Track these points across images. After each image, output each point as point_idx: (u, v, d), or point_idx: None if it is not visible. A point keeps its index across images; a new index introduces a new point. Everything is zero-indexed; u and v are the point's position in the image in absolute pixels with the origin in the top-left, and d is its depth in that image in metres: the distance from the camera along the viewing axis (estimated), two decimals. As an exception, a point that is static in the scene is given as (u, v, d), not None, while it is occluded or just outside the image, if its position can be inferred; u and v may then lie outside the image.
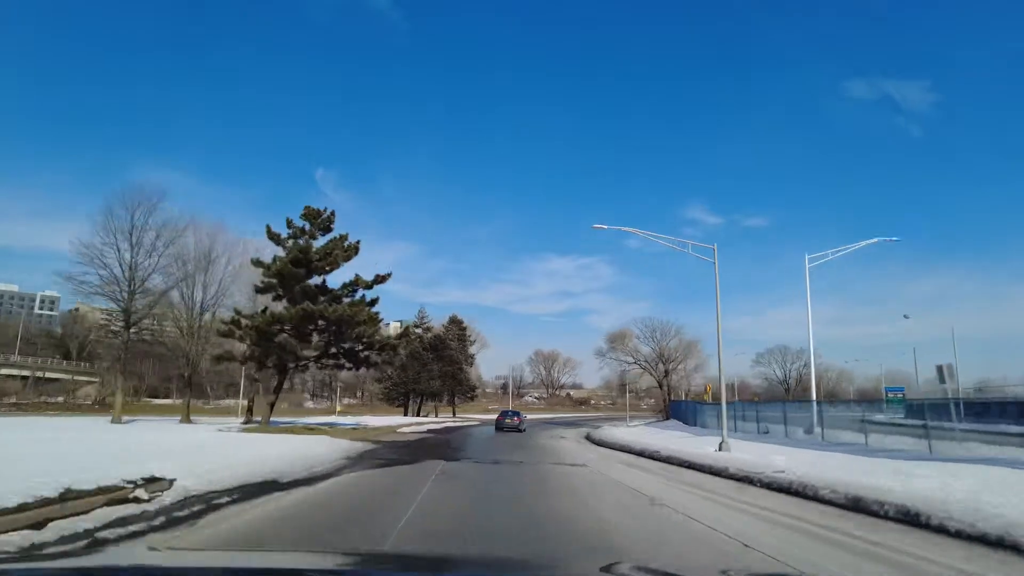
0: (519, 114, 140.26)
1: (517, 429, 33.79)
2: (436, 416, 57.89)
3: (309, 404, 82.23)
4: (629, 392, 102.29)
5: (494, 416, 43.40)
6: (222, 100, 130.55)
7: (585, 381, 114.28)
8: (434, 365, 57.45)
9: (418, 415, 56.88)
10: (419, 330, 63.58)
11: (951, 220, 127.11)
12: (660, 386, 54.37)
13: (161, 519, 6.27)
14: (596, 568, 1.62)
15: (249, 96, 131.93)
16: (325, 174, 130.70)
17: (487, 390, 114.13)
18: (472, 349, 76.53)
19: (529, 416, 73.04)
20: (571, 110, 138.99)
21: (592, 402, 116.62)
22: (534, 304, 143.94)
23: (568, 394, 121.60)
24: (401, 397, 57.90)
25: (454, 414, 63.85)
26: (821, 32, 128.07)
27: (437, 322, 66.65)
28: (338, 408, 66.32)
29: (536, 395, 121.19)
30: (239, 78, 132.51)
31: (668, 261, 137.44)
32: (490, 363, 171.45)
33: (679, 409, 49.09)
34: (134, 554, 3.09)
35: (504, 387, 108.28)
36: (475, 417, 61.11)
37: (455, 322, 68.60)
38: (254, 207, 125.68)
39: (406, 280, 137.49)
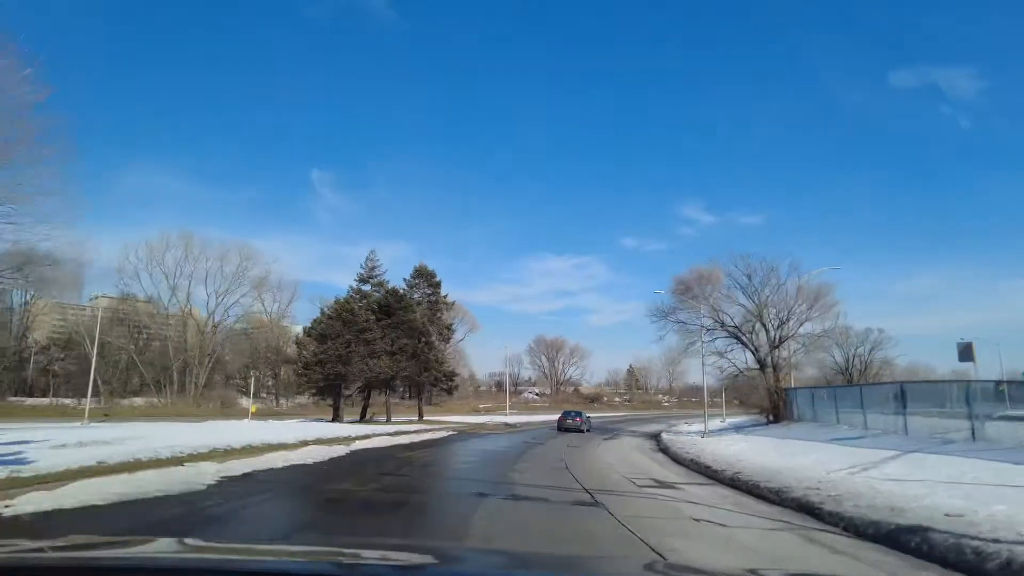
0: (516, 115, 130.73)
1: (579, 429, 32.50)
2: (389, 421, 35.09)
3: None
4: (670, 384, 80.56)
5: (484, 420, 39.87)
6: (214, 100, 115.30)
7: (592, 376, 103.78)
8: (384, 335, 34.59)
9: (363, 419, 34.27)
10: (367, 286, 41.01)
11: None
12: (763, 366, 32.43)
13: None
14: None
15: (242, 96, 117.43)
16: (321, 175, 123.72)
17: (480, 388, 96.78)
18: (454, 325, 53.95)
19: (534, 418, 50.86)
20: (569, 109, 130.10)
21: (604, 399, 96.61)
22: (530, 303, 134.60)
23: (576, 389, 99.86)
24: (327, 389, 34.76)
25: (420, 417, 40.15)
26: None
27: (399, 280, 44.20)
28: (252, 408, 43.32)
29: (537, 391, 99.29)
30: (231, 78, 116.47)
31: (663, 260, 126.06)
32: (484, 361, 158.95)
33: (809, 403, 27.37)
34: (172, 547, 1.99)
35: (499, 384, 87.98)
36: (456, 422, 37.95)
37: (424, 275, 45.37)
38: (249, 209, 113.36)
39: (401, 281, 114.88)
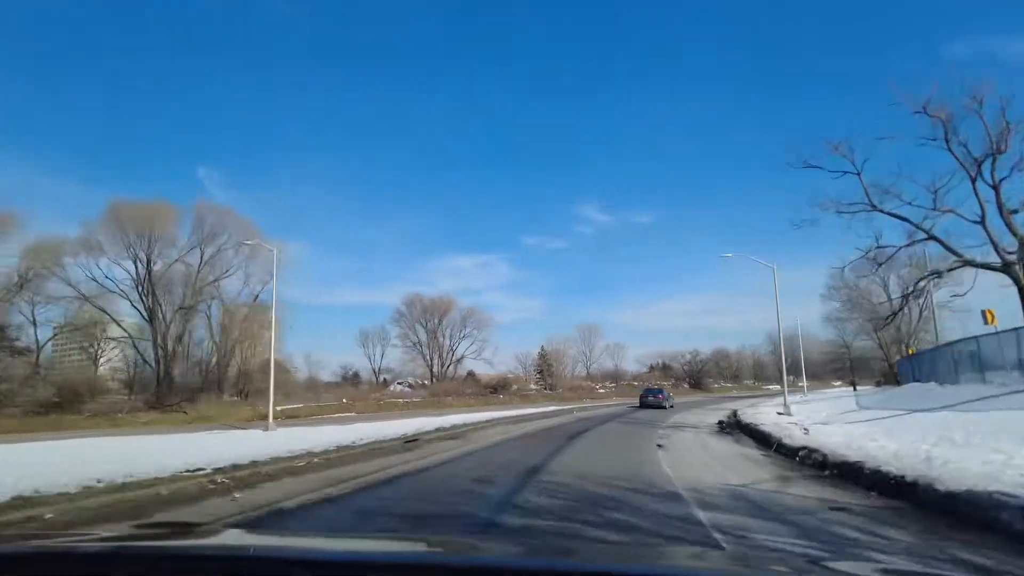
0: (416, 112, 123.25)
1: (661, 406, 34.14)
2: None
3: None
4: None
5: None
6: (92, 95, 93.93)
7: (494, 358, 75.33)
8: None
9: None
10: None
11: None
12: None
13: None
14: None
15: (117, 87, 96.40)
16: (209, 172, 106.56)
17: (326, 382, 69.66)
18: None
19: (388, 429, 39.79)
20: (470, 107, 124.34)
21: (515, 387, 68.18)
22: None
23: (471, 375, 72.56)
24: None
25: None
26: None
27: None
28: None
29: (411, 381, 72.28)
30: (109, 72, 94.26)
31: (563, 258, 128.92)
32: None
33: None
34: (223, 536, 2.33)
35: (356, 375, 72.94)
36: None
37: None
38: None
39: (299, 283, 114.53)
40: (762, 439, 14.16)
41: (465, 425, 20.87)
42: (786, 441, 12.07)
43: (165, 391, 37.29)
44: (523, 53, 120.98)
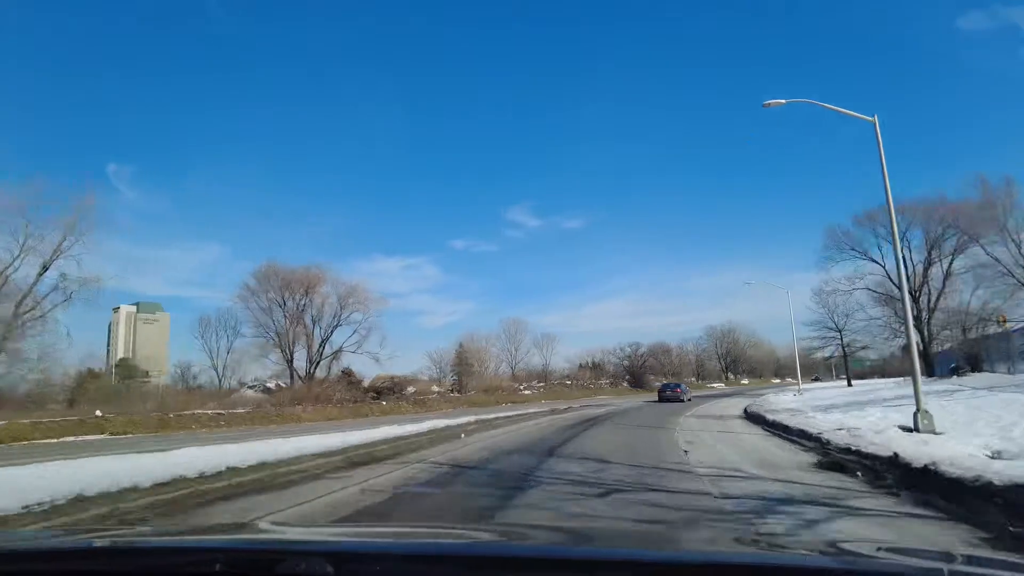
0: (346, 110, 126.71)
1: (679, 399, 34.88)
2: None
3: None
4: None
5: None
6: None
7: (392, 352, 54.11)
8: None
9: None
10: None
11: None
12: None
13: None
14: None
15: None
16: (119, 169, 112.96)
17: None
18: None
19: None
20: (405, 108, 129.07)
21: (412, 391, 52.72)
22: None
23: (346, 372, 52.09)
24: None
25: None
26: None
27: None
28: None
29: (272, 383, 54.24)
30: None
31: (492, 262, 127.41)
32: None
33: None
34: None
35: (193, 378, 52.39)
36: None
37: None
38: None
39: (210, 285, 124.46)
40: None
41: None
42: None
43: None
44: (454, 59, 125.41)
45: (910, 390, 11.93)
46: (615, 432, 15.89)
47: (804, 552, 1.48)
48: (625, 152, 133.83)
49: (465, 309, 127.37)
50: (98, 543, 1.61)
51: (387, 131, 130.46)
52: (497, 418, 23.00)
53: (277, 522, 4.10)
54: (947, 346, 38.75)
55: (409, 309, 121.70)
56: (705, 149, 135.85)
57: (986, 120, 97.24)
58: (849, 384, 43.38)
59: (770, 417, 16.20)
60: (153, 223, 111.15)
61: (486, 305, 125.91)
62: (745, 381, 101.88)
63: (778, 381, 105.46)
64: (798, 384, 38.49)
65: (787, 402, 23.80)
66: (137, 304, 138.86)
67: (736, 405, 28.00)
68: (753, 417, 18.61)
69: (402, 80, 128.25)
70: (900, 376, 44.26)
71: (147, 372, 70.97)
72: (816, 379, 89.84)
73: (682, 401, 34.10)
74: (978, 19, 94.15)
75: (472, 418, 22.43)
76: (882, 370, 59.18)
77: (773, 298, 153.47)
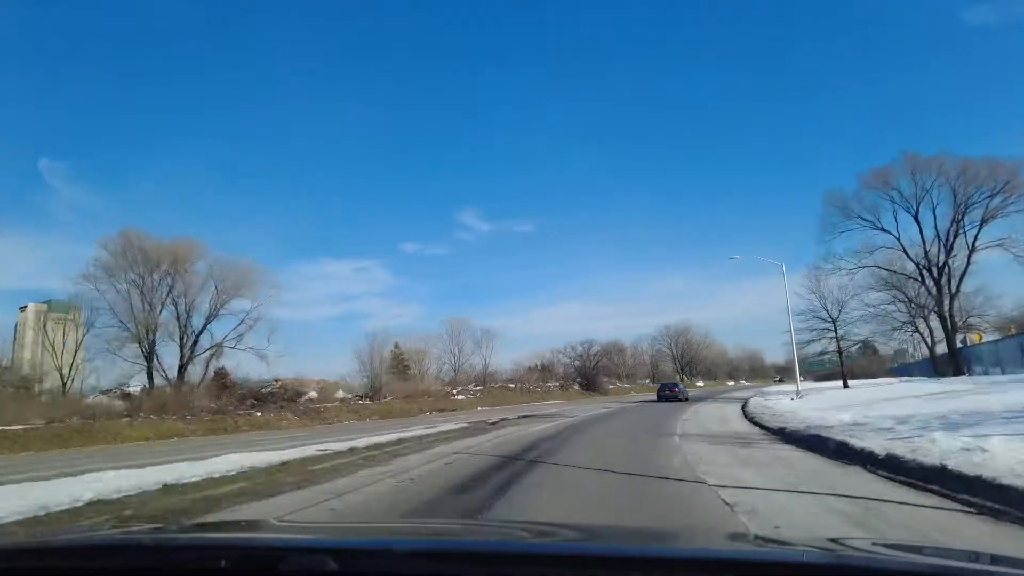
0: (296, 107, 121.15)
1: (677, 399, 34.45)
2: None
3: None
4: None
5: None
6: None
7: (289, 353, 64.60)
8: None
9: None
10: None
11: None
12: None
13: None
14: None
15: None
16: (52, 164, 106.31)
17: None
18: None
19: None
20: (366, 104, 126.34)
21: (342, 398, 43.36)
22: (305, 309, 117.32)
23: (219, 373, 41.74)
24: None
25: None
26: None
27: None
28: None
29: (134, 387, 41.63)
30: None
31: (443, 266, 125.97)
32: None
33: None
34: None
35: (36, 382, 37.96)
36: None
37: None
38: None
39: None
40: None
41: None
42: None
43: None
44: (400, 63, 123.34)
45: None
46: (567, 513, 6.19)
47: (805, 548, 1.51)
48: (580, 156, 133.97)
49: (413, 312, 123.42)
50: (102, 540, 1.63)
51: (341, 130, 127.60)
52: (324, 453, 11.75)
53: (280, 520, 3.89)
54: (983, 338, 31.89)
55: (358, 312, 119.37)
56: (670, 149, 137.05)
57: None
58: (845, 385, 35.82)
59: (858, 445, 7.16)
60: (89, 221, 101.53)
61: (434, 309, 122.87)
62: (700, 383, 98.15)
63: (732, 383, 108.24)
64: (797, 385, 31.18)
65: (822, 414, 14.42)
66: (48, 302, 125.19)
67: (736, 413, 19.48)
68: (812, 443, 9.25)
69: (351, 79, 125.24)
70: (899, 376, 39.15)
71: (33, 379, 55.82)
72: (780, 380, 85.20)
73: (680, 401, 33.37)
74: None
75: (331, 446, 11.97)
76: (852, 372, 53.37)
77: (725, 300, 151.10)
